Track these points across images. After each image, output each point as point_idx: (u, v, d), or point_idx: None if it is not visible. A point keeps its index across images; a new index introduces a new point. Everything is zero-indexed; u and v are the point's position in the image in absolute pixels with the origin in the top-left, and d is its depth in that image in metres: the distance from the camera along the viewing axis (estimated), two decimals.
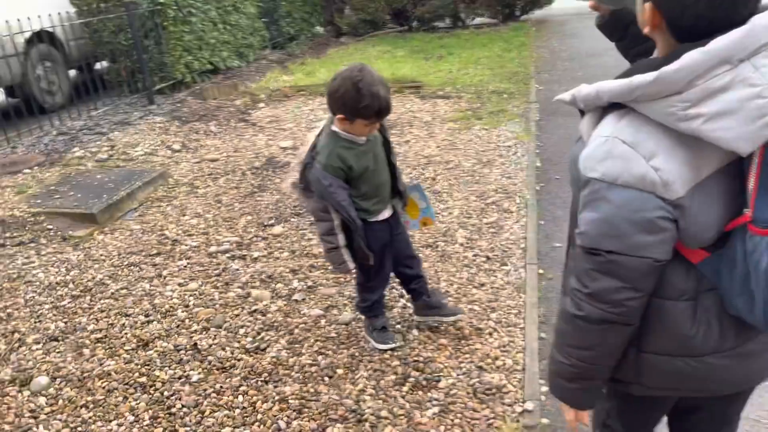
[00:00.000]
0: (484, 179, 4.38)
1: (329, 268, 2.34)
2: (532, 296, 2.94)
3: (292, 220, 4.03)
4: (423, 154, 4.99)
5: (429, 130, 5.57)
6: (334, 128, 2.24)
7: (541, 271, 3.22)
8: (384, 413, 2.30)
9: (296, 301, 3.11)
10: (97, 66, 7.78)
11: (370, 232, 2.37)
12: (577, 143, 1.26)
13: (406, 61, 8.56)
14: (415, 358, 2.58)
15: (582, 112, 1.23)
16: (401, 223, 2.60)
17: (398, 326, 2.80)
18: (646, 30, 1.16)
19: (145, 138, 5.84)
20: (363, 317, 2.74)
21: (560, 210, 3.88)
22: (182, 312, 3.11)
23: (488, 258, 3.32)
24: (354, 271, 2.44)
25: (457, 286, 3.11)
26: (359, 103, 2.09)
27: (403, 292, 2.86)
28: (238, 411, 2.40)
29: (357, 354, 2.65)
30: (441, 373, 2.49)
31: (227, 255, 3.66)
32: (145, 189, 4.68)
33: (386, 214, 2.46)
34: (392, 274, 2.65)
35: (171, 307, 3.16)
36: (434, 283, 3.12)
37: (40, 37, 6.70)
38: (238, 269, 3.48)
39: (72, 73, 7.74)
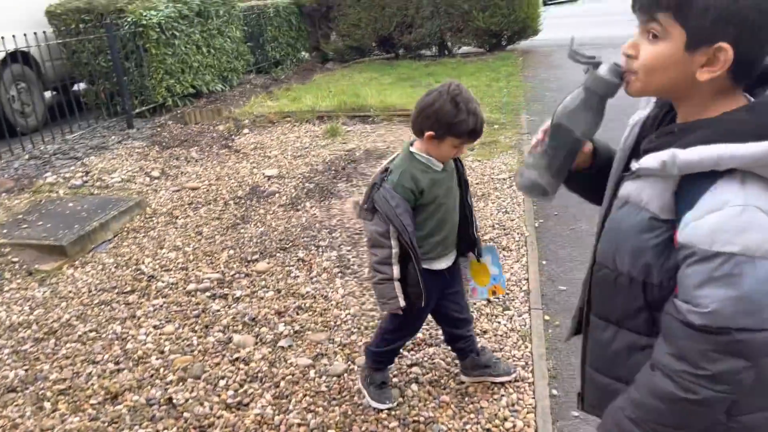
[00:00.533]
0: (480, 214, 4.18)
1: (376, 303, 2.11)
2: (539, 346, 2.72)
3: (278, 255, 3.78)
4: None
5: None
6: (413, 149, 2.08)
7: (547, 317, 3.00)
8: None
9: (282, 348, 2.85)
10: (75, 87, 7.50)
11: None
12: (621, 209, 1.11)
13: (394, 88, 8.42)
14: (415, 418, 2.33)
15: (633, 174, 1.09)
16: (460, 278, 2.35)
17: (395, 379, 2.56)
18: (704, 77, 0.99)
19: (123, 163, 5.57)
20: (364, 365, 2.48)
21: (562, 249, 3.68)
22: (156, 359, 2.83)
23: (489, 301, 3.11)
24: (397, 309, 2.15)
25: None
26: (455, 117, 1.93)
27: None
28: None
29: (350, 412, 2.39)
30: None
31: (207, 294, 3.39)
32: (121, 219, 4.41)
33: (445, 263, 2.20)
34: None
35: (144, 353, 2.88)
36: (433, 329, 2.89)
37: (15, 57, 6.42)
38: (218, 310, 3.22)
39: (48, 94, 7.45)
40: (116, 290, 3.50)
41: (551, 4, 18.83)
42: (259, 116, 6.99)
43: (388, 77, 9.41)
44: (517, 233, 3.85)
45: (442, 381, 2.53)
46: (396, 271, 2.07)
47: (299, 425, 2.35)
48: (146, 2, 7.02)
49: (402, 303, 2.09)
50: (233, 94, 8.53)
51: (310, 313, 3.13)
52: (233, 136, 6.45)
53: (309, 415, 2.39)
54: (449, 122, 1.95)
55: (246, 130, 6.64)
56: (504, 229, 3.92)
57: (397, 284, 2.08)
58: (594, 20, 14.40)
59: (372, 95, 7.40)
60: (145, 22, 6.82)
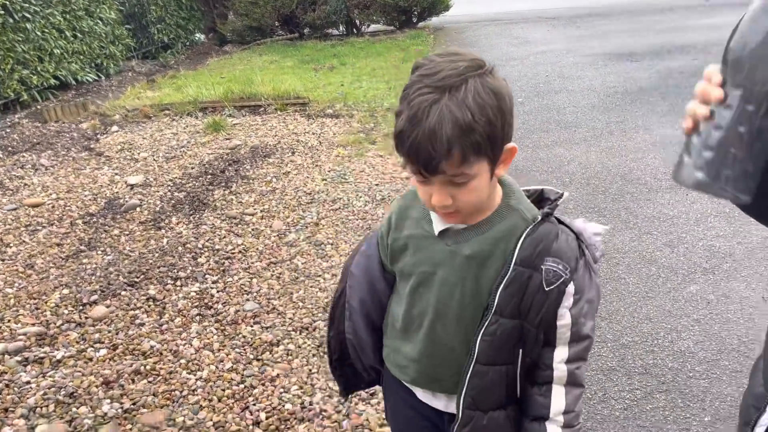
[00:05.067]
0: (377, 223, 3.54)
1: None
2: None
3: (123, 293, 3.01)
4: (305, 189, 4.10)
5: (314, 158, 4.69)
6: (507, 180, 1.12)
7: None
8: None
9: None
10: None
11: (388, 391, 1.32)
12: None
13: (294, 72, 7.64)
14: None
15: None
16: None
17: None
18: None
19: None
20: None
21: None
22: None
23: None
24: None
25: (338, 398, 2.24)
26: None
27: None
28: None
29: None
30: None
31: (18, 357, 2.59)
32: None
33: (435, 401, 1.20)
34: None
35: None
36: (307, 395, 2.24)
37: None
38: (28, 382, 2.43)
39: None
40: None
41: None
42: (132, 110, 6.06)
43: (290, 60, 8.61)
44: None
45: None
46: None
47: None
48: None
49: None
50: (110, 84, 7.50)
51: (150, 379, 2.40)
52: (98, 136, 5.52)
53: None
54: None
55: (115, 128, 5.70)
56: None
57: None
58: None
59: (266, 81, 6.60)
60: None
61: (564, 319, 1.02)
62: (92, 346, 2.63)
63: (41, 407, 2.29)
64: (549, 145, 4.58)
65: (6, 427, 2.20)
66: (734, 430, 1.97)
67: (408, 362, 1.17)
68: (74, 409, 2.27)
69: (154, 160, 4.82)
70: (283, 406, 2.21)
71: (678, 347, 2.27)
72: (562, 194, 1.08)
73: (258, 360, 2.48)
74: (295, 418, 2.15)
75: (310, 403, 2.22)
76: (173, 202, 4.03)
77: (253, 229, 3.60)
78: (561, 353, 1.04)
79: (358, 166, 4.46)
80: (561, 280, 1.00)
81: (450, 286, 1.07)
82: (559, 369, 1.05)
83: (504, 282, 1.01)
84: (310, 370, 2.40)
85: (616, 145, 4.44)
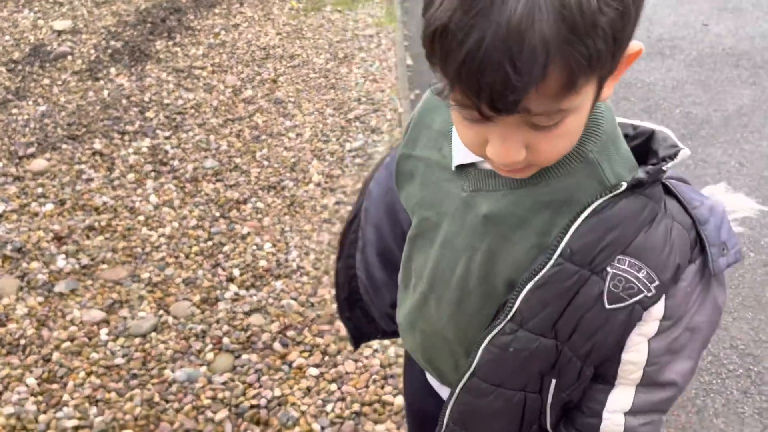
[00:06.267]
0: (342, 83, 3.31)
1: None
2: None
3: (64, 146, 2.72)
4: (258, 44, 3.76)
5: (265, 11, 4.28)
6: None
7: None
8: None
9: (60, 295, 1.96)
10: None
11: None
12: None
13: None
14: (253, 401, 1.62)
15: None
16: None
17: (224, 337, 1.80)
18: None
19: None
20: None
21: None
22: None
23: None
24: None
25: (316, 255, 2.14)
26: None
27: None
28: None
29: (157, 399, 1.63)
30: (296, 429, 1.57)
31: None
32: None
33: (435, 384, 0.89)
34: None
35: None
36: (281, 253, 2.13)
37: None
38: None
39: None
40: None
41: None
42: None
43: None
44: (390, 110, 3.06)
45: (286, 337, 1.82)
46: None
47: (76, 429, 1.55)
48: None
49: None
50: None
51: (107, 235, 2.22)
52: None
53: (93, 410, 1.60)
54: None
55: None
56: (373, 104, 3.11)
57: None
58: None
59: None
60: None
61: (636, 352, 0.65)
62: (36, 201, 2.39)
63: None
64: None
65: None
66: None
67: (403, 326, 0.84)
68: (24, 264, 2.08)
69: (82, 4, 4.26)
70: (257, 263, 2.10)
71: None
72: (679, 149, 0.63)
73: (225, 218, 2.32)
74: (271, 275, 2.05)
75: (286, 260, 2.11)
76: (110, 51, 3.61)
77: (204, 84, 3.30)
78: (621, 398, 0.67)
79: (315, 21, 4.11)
80: (638, 297, 0.61)
81: (453, 251, 0.71)
82: (613, 421, 0.68)
83: (536, 279, 0.63)
84: (283, 229, 2.27)
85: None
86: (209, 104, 3.11)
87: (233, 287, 1.99)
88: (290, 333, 1.81)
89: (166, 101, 3.11)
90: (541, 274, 0.62)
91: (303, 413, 1.59)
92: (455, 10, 0.47)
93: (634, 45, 0.55)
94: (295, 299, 1.95)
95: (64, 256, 2.12)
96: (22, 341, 1.80)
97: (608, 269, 0.61)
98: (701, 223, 0.63)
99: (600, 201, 0.60)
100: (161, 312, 1.90)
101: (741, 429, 1.55)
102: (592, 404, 0.69)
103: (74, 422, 1.57)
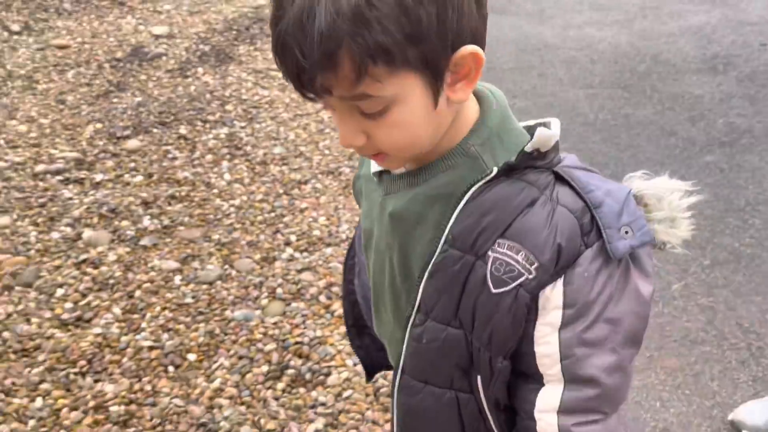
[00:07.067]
0: None
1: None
2: None
3: (155, 131, 3.11)
4: None
5: None
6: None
7: None
8: (246, 429, 1.61)
9: (144, 247, 2.30)
10: None
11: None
12: None
13: None
14: (298, 339, 1.88)
15: None
16: None
17: (278, 288, 2.08)
18: None
19: None
20: None
21: None
22: None
23: None
24: None
25: None
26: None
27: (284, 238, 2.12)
28: (32, 424, 1.64)
29: (218, 331, 1.91)
30: (332, 362, 1.81)
31: (60, 177, 2.73)
32: None
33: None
34: None
35: None
36: (333, 226, 2.39)
37: None
38: (71, 198, 2.58)
39: None
40: None
41: None
42: None
43: None
44: None
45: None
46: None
47: (151, 348, 1.86)
48: None
49: None
50: None
51: (186, 203, 2.55)
52: None
53: (165, 335, 1.90)
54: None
55: None
56: None
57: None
58: None
59: None
60: None
61: (546, 344, 0.64)
62: (128, 173, 2.77)
63: (85, 219, 2.46)
64: (580, 25, 4.50)
65: (54, 232, 2.38)
66: (729, 274, 2.14)
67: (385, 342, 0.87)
68: (116, 223, 2.43)
69: (177, 13, 4.76)
70: (312, 232, 2.37)
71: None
72: (550, 132, 0.64)
73: (287, 195, 2.62)
74: (322, 242, 2.31)
75: (336, 232, 2.37)
76: (199, 53, 4.04)
77: (279, 84, 3.64)
78: (549, 397, 0.66)
79: None
80: (520, 280, 0.62)
81: (380, 254, 0.76)
82: (546, 421, 0.66)
83: (429, 268, 0.67)
84: (337, 206, 2.54)
85: (648, 29, 4.37)
86: (282, 101, 3.44)
87: (289, 250, 2.27)
88: (335, 288, 2.06)
89: (244, 97, 3.47)
90: (432, 262, 0.66)
91: (339, 351, 1.83)
92: (273, 6, 0.59)
93: (467, 48, 0.59)
94: (342, 263, 2.20)
95: (149, 217, 2.46)
96: (111, 281, 2.14)
97: (489, 253, 0.63)
98: (595, 207, 0.62)
99: (475, 187, 0.63)
100: (226, 266, 2.20)
101: (734, 392, 1.66)
102: (525, 405, 0.68)
103: (149, 343, 1.87)
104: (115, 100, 3.45)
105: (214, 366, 1.80)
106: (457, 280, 0.64)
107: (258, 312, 1.99)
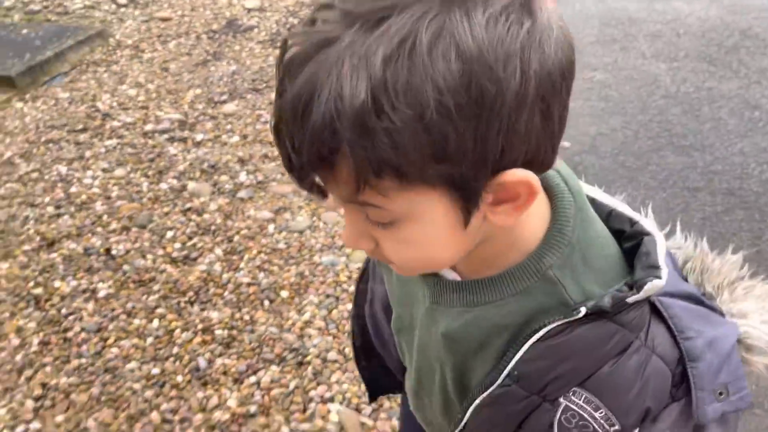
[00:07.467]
0: None
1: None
2: None
3: (248, 96, 3.35)
4: None
5: None
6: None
7: None
8: (333, 355, 1.81)
9: (241, 199, 2.53)
10: None
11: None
12: None
13: None
14: None
15: None
16: None
17: None
18: None
19: None
20: None
21: None
22: (101, 205, 2.53)
23: None
24: None
25: None
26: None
27: None
28: (150, 340, 1.90)
29: (307, 273, 2.12)
30: None
31: (165, 136, 3.02)
32: (79, 50, 3.92)
33: None
34: None
35: (89, 197, 2.58)
36: None
37: None
38: (176, 155, 2.86)
39: None
40: (67, 128, 3.13)
41: None
42: None
43: None
44: None
45: None
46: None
47: (249, 285, 2.08)
48: None
49: None
50: None
51: (278, 162, 2.77)
52: None
53: (261, 274, 2.12)
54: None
55: None
56: None
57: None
58: None
59: None
60: None
61: None
62: (226, 134, 3.02)
63: (189, 173, 2.72)
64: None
65: (163, 183, 2.65)
66: None
67: (409, 393, 0.81)
68: (216, 177, 2.69)
69: None
70: None
71: (766, 177, 2.40)
72: (652, 276, 0.52)
73: None
74: None
75: None
76: (288, 26, 4.26)
77: None
78: None
79: None
80: None
81: (428, 360, 0.68)
82: None
83: (483, 396, 0.58)
84: None
85: (738, 3, 4.23)
86: None
87: None
88: None
89: None
90: (488, 392, 0.57)
91: None
92: (278, 82, 0.47)
93: (516, 174, 0.46)
94: None
95: (245, 173, 2.70)
96: (213, 227, 2.38)
97: (561, 399, 0.54)
98: (690, 359, 0.53)
99: (552, 326, 0.52)
100: (314, 218, 2.40)
101: None
102: None
103: (247, 280, 2.10)
104: (212, 68, 3.72)
105: (304, 302, 2.00)
106: (516, 417, 0.56)
107: (343, 258, 2.18)
